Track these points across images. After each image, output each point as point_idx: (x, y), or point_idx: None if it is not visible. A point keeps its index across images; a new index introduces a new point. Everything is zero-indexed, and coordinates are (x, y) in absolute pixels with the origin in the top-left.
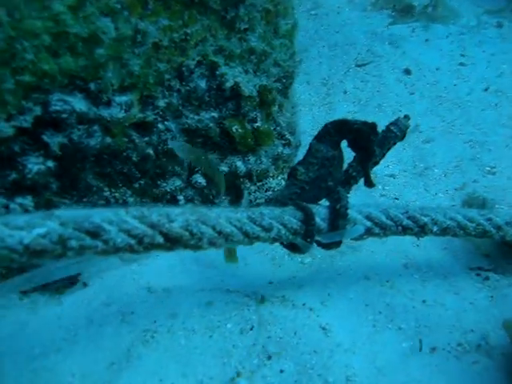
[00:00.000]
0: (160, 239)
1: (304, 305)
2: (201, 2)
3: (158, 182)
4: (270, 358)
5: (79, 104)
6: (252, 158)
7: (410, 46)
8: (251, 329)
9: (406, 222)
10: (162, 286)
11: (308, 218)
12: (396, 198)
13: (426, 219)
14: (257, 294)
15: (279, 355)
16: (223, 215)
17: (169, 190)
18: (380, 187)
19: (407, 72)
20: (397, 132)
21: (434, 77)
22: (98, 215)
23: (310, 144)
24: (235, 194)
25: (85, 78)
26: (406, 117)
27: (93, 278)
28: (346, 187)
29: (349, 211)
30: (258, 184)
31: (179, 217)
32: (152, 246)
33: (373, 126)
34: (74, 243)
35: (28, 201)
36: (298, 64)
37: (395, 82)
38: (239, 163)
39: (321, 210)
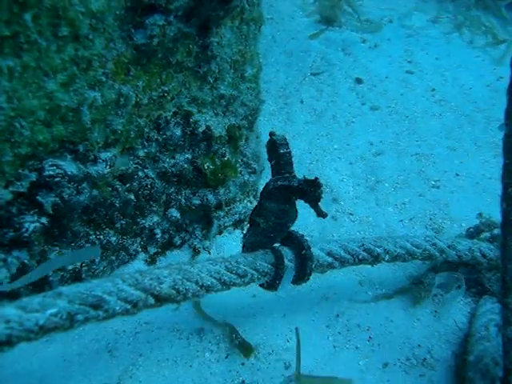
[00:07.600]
0: (152, 301)
1: (273, 331)
2: (177, 62)
3: (138, 220)
4: (243, 382)
5: (70, 167)
6: (222, 190)
7: (360, 54)
8: (226, 357)
9: (362, 254)
10: (145, 319)
11: (278, 262)
12: (351, 214)
13: (379, 250)
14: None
15: (252, 380)
16: (204, 269)
17: (147, 225)
18: (336, 203)
19: (359, 81)
20: None
21: (383, 86)
22: (99, 288)
23: (260, 203)
24: (206, 222)
25: (74, 141)
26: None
27: None
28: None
29: (312, 250)
30: (226, 209)
31: (167, 278)
32: (145, 307)
33: (316, 183)
34: (80, 317)
35: (24, 254)
36: (262, 102)
37: (348, 92)
38: (210, 196)
39: (287, 252)
